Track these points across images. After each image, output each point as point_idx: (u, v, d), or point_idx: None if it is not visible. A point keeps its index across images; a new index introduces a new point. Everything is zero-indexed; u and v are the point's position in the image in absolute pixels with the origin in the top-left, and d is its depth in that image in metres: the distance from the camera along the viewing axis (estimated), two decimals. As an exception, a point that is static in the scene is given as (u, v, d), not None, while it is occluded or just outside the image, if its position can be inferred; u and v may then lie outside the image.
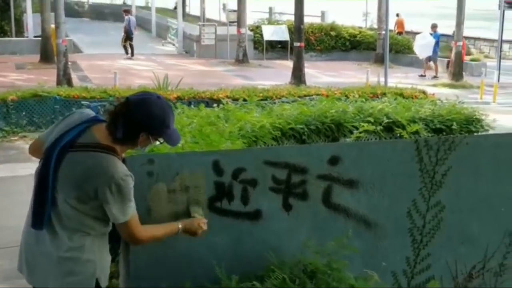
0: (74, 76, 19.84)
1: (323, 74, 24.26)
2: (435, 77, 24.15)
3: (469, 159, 4.40)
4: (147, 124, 3.33)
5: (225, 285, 3.60)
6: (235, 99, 13.26)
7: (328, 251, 3.80)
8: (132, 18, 27.59)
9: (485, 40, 31.36)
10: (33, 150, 3.56)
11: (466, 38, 26.90)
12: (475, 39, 30.55)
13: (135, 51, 26.70)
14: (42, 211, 3.30)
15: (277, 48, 28.41)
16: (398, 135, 9.71)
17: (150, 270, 3.83)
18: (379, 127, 10.28)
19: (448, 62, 24.44)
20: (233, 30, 26.85)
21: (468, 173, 4.42)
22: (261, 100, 13.56)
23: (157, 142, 3.46)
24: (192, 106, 11.39)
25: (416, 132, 9.31)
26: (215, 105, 10.55)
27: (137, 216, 3.36)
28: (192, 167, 3.84)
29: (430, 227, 4.38)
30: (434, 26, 24.80)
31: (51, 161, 3.27)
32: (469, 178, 4.43)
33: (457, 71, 23.40)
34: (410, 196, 4.31)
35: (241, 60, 25.97)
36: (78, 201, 3.27)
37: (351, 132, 10.60)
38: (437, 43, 24.35)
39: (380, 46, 26.94)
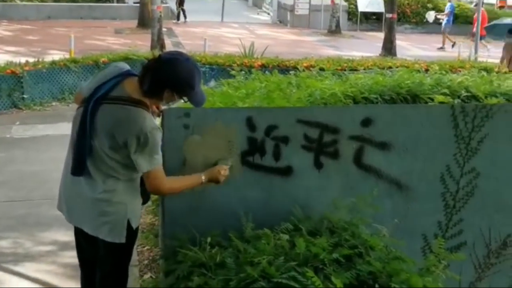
0: (168, 42, 20.40)
1: (415, 46, 23.85)
2: (441, 48, 23.61)
3: (507, 127, 4.39)
4: (172, 82, 3.53)
5: (250, 234, 3.77)
6: (321, 69, 13.29)
7: (357, 209, 3.90)
8: None
9: None
10: (76, 100, 3.84)
11: None
12: None
13: (229, 19, 27.03)
14: (82, 158, 3.58)
15: (371, 20, 28.11)
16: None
17: (184, 218, 4.03)
18: (456, 100, 10.14)
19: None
20: (327, 0, 26.73)
21: (506, 141, 4.41)
22: (341, 70, 13.59)
23: (182, 101, 3.67)
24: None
25: (489, 107, 9.17)
26: (292, 72, 10.68)
27: (162, 168, 3.58)
28: (226, 122, 4.02)
29: (464, 193, 4.41)
30: None
31: (87, 111, 3.54)
32: (506, 146, 4.42)
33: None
34: (444, 161, 4.35)
35: (334, 30, 25.87)
36: (111, 149, 3.53)
37: (426, 103, 10.51)
38: (450, 13, 24.23)
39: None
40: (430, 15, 25.69)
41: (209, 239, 3.53)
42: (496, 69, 13.52)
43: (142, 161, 3.50)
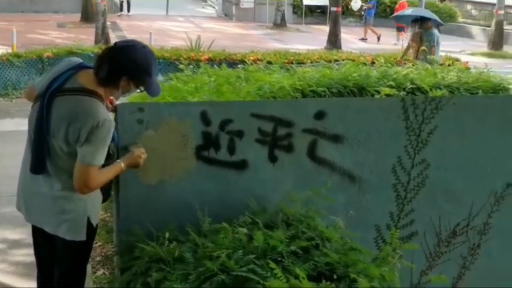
0: (112, 36, 20.12)
1: (359, 40, 24.12)
2: (363, 39, 24.20)
3: (455, 119, 4.50)
4: (129, 69, 3.51)
5: (207, 227, 3.77)
6: (268, 62, 13.31)
7: (311, 200, 3.94)
8: None
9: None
10: (29, 96, 3.77)
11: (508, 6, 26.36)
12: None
13: (174, 13, 26.91)
14: (41, 156, 3.53)
15: (316, 13, 28.31)
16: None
17: (139, 213, 4.01)
18: (402, 93, 10.31)
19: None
20: (271, -7, 26.85)
21: (454, 132, 4.52)
22: (288, 63, 13.65)
23: (138, 90, 3.64)
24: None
25: (436, 98, 9.35)
26: (240, 65, 10.69)
27: (100, 166, 3.49)
28: (180, 117, 4.01)
29: (415, 184, 4.50)
30: None
31: (43, 106, 3.49)
32: (455, 137, 4.53)
33: (497, 40, 23.05)
34: (395, 153, 4.44)
35: (279, 24, 25.98)
36: (66, 143, 3.47)
37: (373, 96, 10.65)
38: (374, 5, 24.92)
39: (420, 13, 26.62)
40: (357, 3, 25.95)
41: (167, 234, 3.51)
42: (399, 59, 14.09)
43: (86, 152, 3.40)
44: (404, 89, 10.89)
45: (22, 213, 3.83)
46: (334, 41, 21.11)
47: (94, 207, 3.75)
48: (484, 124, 4.57)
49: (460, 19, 28.56)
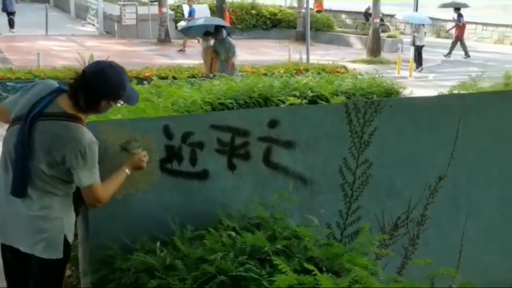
0: (-7, 59, 19.59)
1: (244, 52, 24.47)
2: (181, 50, 24.37)
3: (392, 120, 4.87)
4: (106, 92, 3.64)
5: (179, 236, 3.92)
6: (162, 77, 13.44)
7: (271, 204, 4.18)
8: None
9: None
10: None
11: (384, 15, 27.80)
12: (391, 16, 31.44)
13: (54, 32, 26.44)
14: (24, 179, 3.59)
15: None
16: (322, 107, 10.20)
17: (108, 227, 4.12)
18: (304, 101, 10.74)
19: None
20: (154, 9, 26.86)
21: (392, 133, 4.89)
22: (189, 77, 13.82)
23: (118, 104, 3.78)
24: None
25: (339, 105, 9.82)
26: (145, 82, 10.81)
27: (100, 180, 3.66)
28: (144, 132, 4.15)
29: (360, 183, 4.83)
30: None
31: (24, 131, 3.55)
32: (393, 137, 4.90)
33: (375, 47, 24.22)
34: (341, 155, 4.75)
35: (163, 39, 26.08)
36: (48, 165, 3.57)
37: (277, 106, 11.03)
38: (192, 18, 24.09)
39: (300, 24, 27.58)
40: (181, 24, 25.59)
41: (158, 244, 3.66)
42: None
43: (83, 175, 3.57)
44: (305, 97, 11.36)
45: None
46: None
47: (70, 224, 3.82)
48: (416, 124, 4.97)
49: (337, 29, 29.74)
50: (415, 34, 22.33)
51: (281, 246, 3.51)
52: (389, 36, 27.18)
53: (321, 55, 22.87)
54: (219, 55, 12.41)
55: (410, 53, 22.97)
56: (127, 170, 3.86)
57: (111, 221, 4.14)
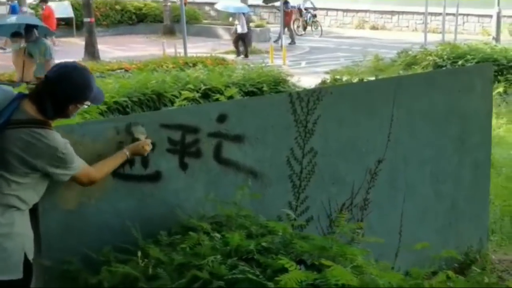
0: None
1: (114, 49, 23.99)
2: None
3: (333, 107, 4.85)
4: (73, 96, 3.48)
5: (143, 244, 3.72)
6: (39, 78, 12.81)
7: (231, 201, 4.05)
8: None
9: (264, 7, 32.71)
10: None
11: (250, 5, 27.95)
12: (255, 6, 31.73)
13: None
14: None
15: (61, 26, 27.54)
16: (216, 100, 10.16)
17: (61, 241, 3.85)
18: (197, 94, 10.65)
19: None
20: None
21: (333, 120, 4.88)
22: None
23: (85, 106, 3.57)
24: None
25: (231, 97, 9.81)
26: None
27: (84, 163, 3.57)
28: (94, 136, 3.90)
29: (307, 172, 4.79)
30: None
31: None
32: (334, 124, 4.89)
33: (246, 37, 24.32)
34: (288, 145, 4.68)
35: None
36: (23, 175, 3.36)
37: (171, 101, 10.87)
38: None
39: (167, 17, 27.32)
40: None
41: (139, 253, 3.43)
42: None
43: (66, 172, 3.47)
44: (197, 91, 11.27)
45: None
46: (92, 52, 20.79)
47: (30, 241, 3.55)
48: (355, 109, 4.99)
49: (204, 21, 29.66)
50: (236, 23, 23.00)
51: (266, 244, 3.40)
52: (257, 26, 27.44)
53: (191, 47, 22.64)
54: (33, 58, 10.82)
55: (279, 42, 23.38)
56: (127, 152, 3.83)
57: (66, 233, 3.88)
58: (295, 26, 28.18)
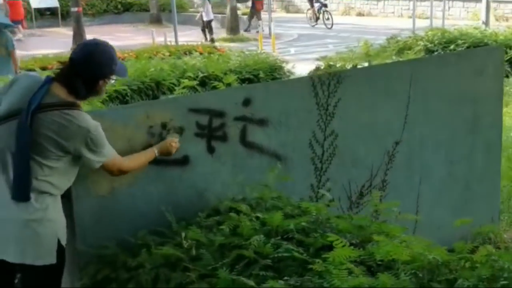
0: None
1: (102, 38, 23.86)
2: None
3: (353, 90, 4.89)
4: (100, 72, 3.51)
5: (178, 227, 3.76)
6: (30, 69, 12.84)
7: (261, 183, 4.11)
8: None
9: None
10: None
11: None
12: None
13: None
14: (26, 180, 3.31)
15: (46, 16, 27.42)
16: (214, 87, 10.18)
17: (96, 226, 3.89)
18: (195, 82, 10.64)
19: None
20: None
21: (353, 102, 4.92)
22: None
23: (112, 80, 3.62)
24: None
25: (230, 84, 9.84)
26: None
27: (115, 152, 3.60)
28: (124, 121, 3.92)
29: (328, 155, 4.84)
30: None
31: (26, 126, 3.29)
32: (354, 107, 4.93)
33: (234, 25, 24.36)
34: (310, 129, 4.73)
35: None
36: (56, 158, 3.36)
37: (170, 89, 10.87)
38: None
39: (154, 6, 27.24)
40: None
41: (183, 235, 3.46)
42: None
43: (98, 157, 3.49)
44: (195, 78, 11.27)
45: None
46: (80, 41, 20.66)
47: (63, 227, 3.55)
48: (374, 92, 5.04)
49: (189, 9, 29.57)
50: (201, 9, 23.57)
51: (306, 223, 3.44)
52: (244, 14, 27.41)
53: (180, 36, 22.56)
54: None
55: (266, 30, 23.37)
56: (156, 150, 3.90)
57: (99, 218, 3.92)
58: (308, 17, 28.06)
